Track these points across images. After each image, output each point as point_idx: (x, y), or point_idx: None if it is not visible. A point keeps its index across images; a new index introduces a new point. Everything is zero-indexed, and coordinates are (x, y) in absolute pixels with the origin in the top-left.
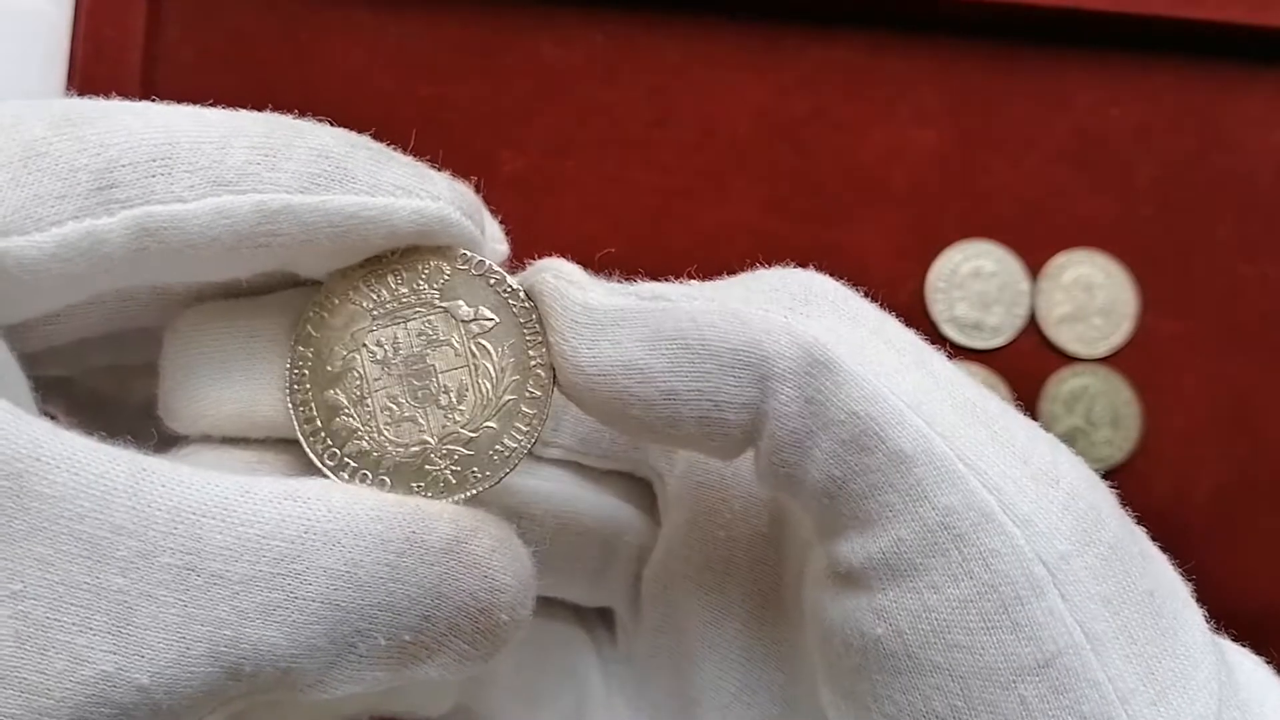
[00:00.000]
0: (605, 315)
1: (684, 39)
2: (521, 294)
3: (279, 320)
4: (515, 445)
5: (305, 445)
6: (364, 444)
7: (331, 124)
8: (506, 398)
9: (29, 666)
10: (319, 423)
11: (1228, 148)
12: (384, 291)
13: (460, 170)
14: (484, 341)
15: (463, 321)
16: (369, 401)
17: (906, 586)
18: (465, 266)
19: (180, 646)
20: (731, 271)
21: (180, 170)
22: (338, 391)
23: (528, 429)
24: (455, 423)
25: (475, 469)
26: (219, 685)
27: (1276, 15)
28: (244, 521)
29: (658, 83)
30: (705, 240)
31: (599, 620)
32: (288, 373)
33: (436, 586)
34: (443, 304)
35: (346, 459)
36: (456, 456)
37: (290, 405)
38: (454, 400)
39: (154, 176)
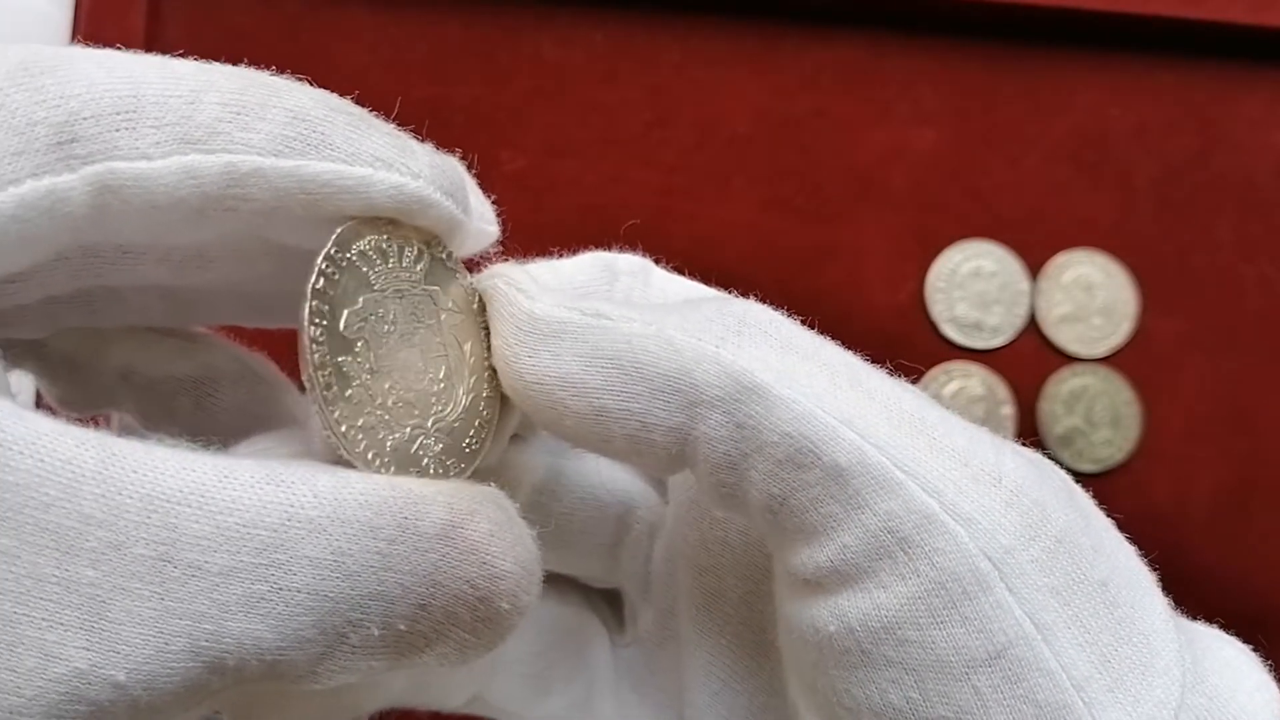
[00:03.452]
0: (548, 326)
1: (684, 39)
2: (478, 294)
3: None
4: (480, 440)
5: (322, 413)
6: (372, 419)
7: (312, 84)
8: (470, 394)
9: None
10: (336, 389)
11: (1228, 148)
12: (382, 260)
13: None
14: (455, 335)
15: (444, 310)
16: (379, 377)
17: (857, 588)
18: (441, 255)
19: (158, 641)
20: (731, 271)
21: (145, 125)
22: (351, 359)
23: (487, 426)
24: (440, 411)
25: (452, 460)
26: (201, 680)
27: (1276, 15)
28: (222, 509)
29: (657, 82)
30: (705, 240)
31: (606, 605)
32: (306, 328)
33: (431, 575)
34: (428, 287)
35: (359, 434)
36: (441, 446)
37: (311, 366)
38: (440, 387)
39: (117, 130)
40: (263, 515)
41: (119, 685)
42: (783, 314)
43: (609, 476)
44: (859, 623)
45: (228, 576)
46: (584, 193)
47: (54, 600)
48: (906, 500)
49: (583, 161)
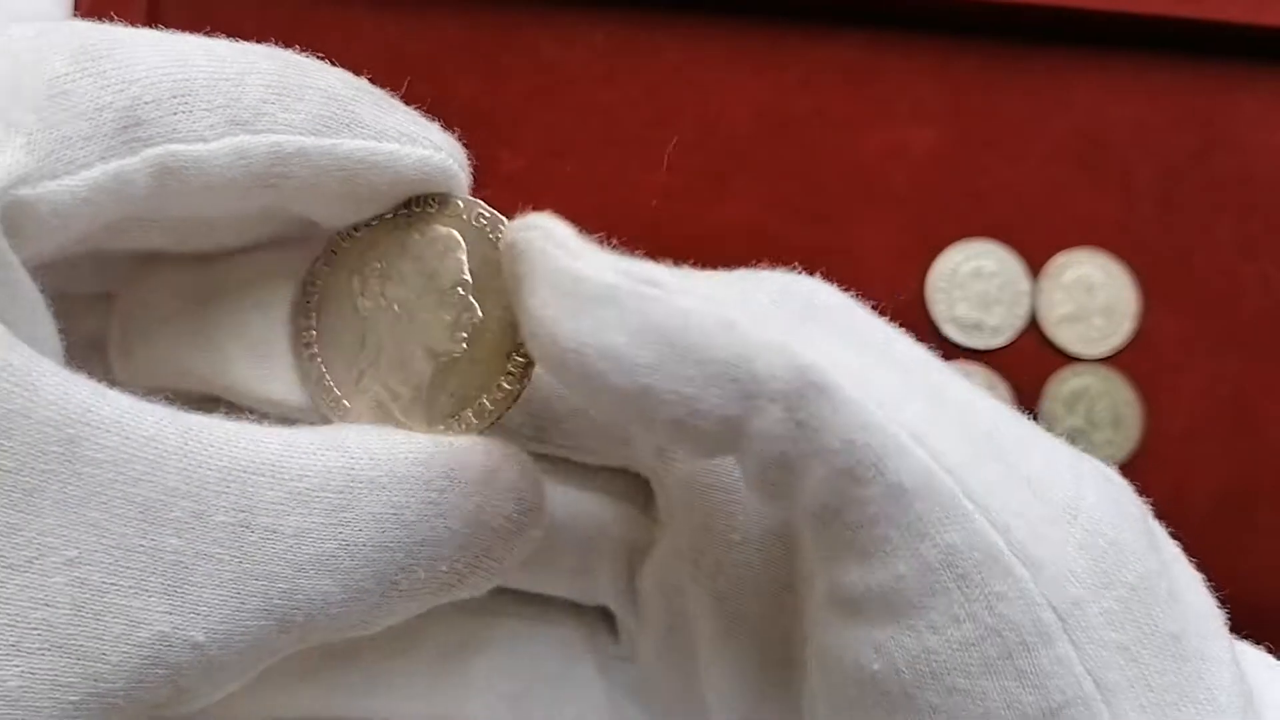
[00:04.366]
0: (593, 290)
1: (684, 39)
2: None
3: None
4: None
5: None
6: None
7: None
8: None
9: (86, 633)
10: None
11: (1228, 148)
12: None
13: None
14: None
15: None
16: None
17: (905, 625)
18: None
19: (235, 602)
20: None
21: (199, 108)
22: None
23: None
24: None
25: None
26: (271, 638)
27: (1276, 15)
28: (293, 476)
29: (658, 83)
30: (705, 240)
31: (599, 618)
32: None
33: (476, 515)
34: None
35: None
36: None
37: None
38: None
39: (176, 114)
40: (329, 480)
41: (197, 645)
42: (851, 298)
43: (570, 498)
44: (905, 664)
45: (300, 538)
46: (584, 193)
47: (140, 568)
48: (971, 534)
49: (583, 161)
